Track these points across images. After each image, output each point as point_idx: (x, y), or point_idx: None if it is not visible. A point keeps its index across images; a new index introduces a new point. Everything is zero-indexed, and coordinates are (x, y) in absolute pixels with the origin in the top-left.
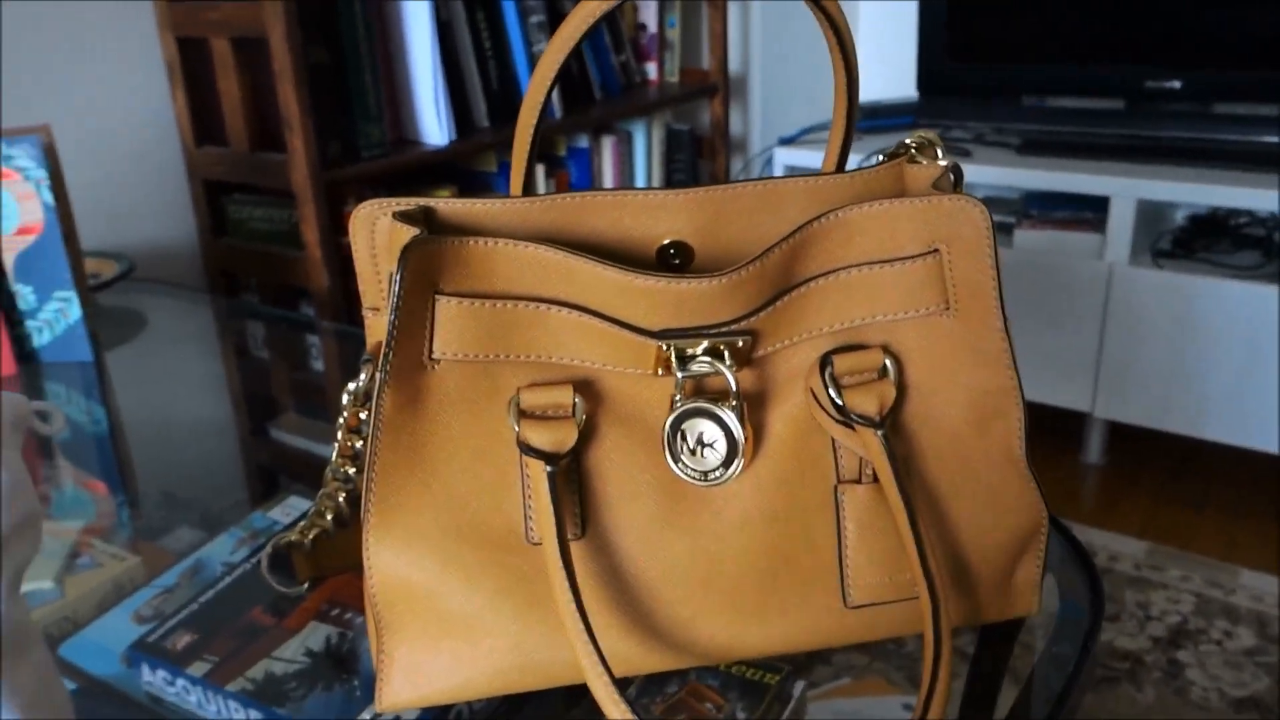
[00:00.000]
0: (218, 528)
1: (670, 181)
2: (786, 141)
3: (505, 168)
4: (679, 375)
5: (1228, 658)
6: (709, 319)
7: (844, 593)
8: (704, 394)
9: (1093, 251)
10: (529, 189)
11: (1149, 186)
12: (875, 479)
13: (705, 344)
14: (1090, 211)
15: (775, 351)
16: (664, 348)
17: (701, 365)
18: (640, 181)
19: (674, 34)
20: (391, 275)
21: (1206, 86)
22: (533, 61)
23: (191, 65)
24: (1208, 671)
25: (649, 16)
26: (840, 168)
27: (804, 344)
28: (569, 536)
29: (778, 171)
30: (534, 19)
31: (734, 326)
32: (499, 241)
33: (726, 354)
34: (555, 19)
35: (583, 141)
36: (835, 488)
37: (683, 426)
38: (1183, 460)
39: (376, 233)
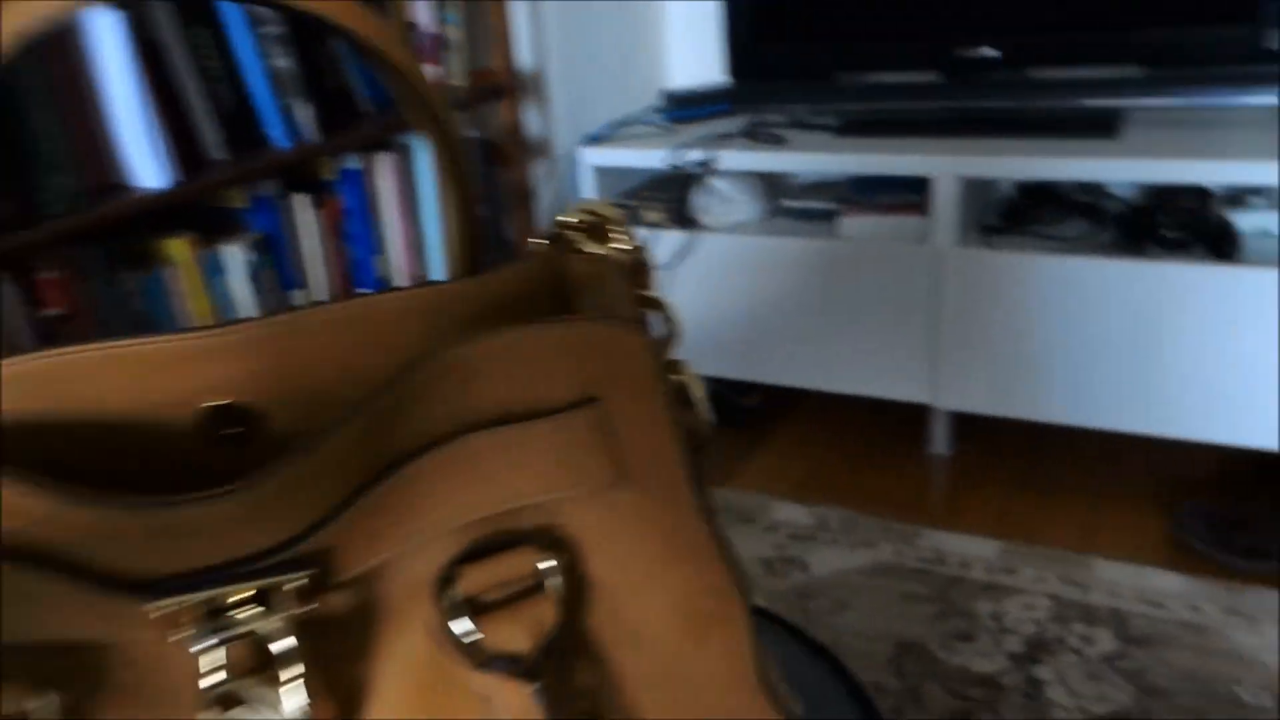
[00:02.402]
0: None
1: None
2: (593, 140)
3: (257, 203)
4: (200, 646)
5: (1089, 668)
6: (247, 546)
7: None
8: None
9: (920, 234)
10: None
11: (971, 163)
12: None
13: (242, 591)
14: (915, 194)
15: (382, 565)
16: (154, 611)
17: (234, 627)
18: (428, 200)
19: (455, 32)
20: None
21: (1022, 52)
22: (274, 78)
23: None
24: (1069, 687)
25: (420, 14)
26: (468, 270)
27: (427, 547)
28: None
29: (584, 174)
30: (267, 29)
31: (286, 555)
32: None
33: (274, 600)
34: (297, 29)
35: (354, 163)
36: None
37: (231, 713)
38: (1031, 445)
39: None
